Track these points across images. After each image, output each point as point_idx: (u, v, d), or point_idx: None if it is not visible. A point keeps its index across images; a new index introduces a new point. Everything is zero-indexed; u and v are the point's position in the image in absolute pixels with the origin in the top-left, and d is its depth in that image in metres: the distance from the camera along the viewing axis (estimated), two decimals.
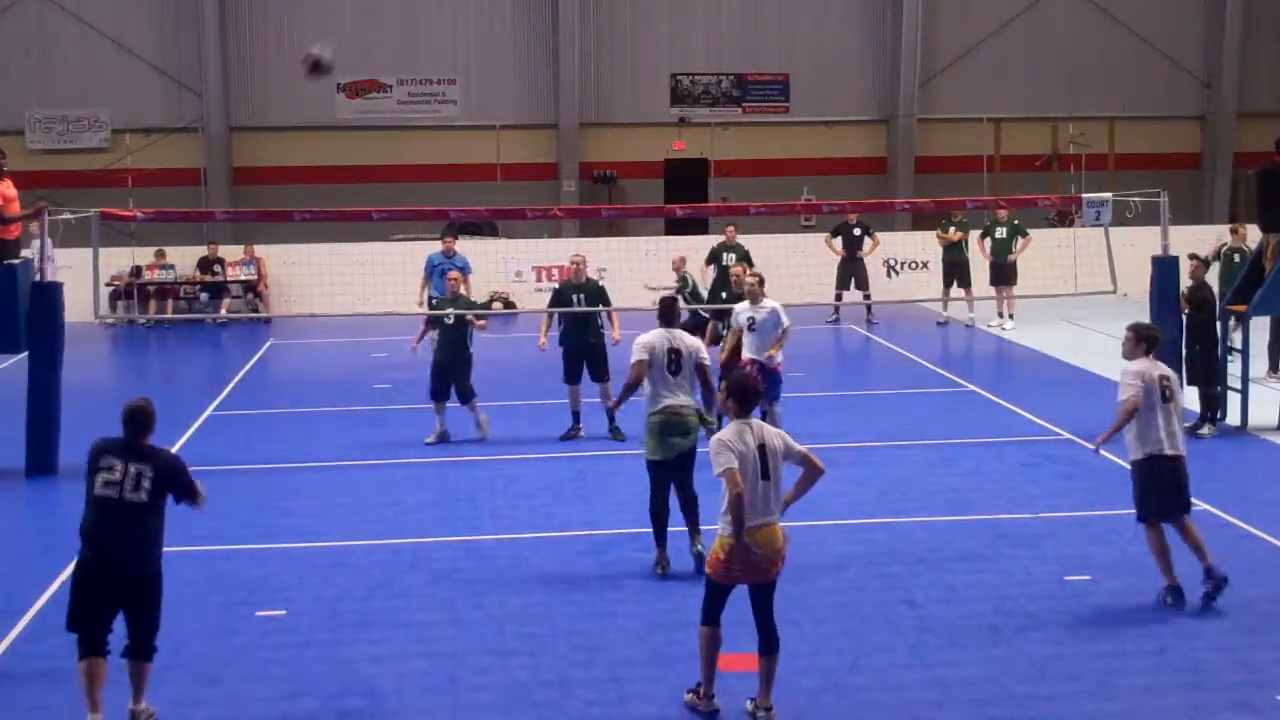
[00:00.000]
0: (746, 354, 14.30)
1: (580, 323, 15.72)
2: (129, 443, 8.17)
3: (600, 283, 16.34)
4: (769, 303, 14.39)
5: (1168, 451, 10.10)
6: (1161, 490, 10.07)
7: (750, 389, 8.44)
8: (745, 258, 21.27)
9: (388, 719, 8.34)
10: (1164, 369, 10.37)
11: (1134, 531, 11.75)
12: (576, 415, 15.58)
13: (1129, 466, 10.37)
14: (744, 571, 8.13)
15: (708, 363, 11.40)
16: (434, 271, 19.53)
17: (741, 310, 14.54)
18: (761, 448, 8.18)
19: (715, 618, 8.23)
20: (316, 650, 9.31)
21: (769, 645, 8.21)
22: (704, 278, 21.40)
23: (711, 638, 8.23)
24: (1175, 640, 9.32)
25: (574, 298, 15.78)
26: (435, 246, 20.33)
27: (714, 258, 22.55)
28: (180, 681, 8.83)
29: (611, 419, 15.27)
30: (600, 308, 15.87)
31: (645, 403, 11.05)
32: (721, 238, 23.31)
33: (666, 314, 11.56)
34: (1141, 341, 10.61)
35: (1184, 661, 8.98)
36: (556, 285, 16.08)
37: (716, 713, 8.25)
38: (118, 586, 8.02)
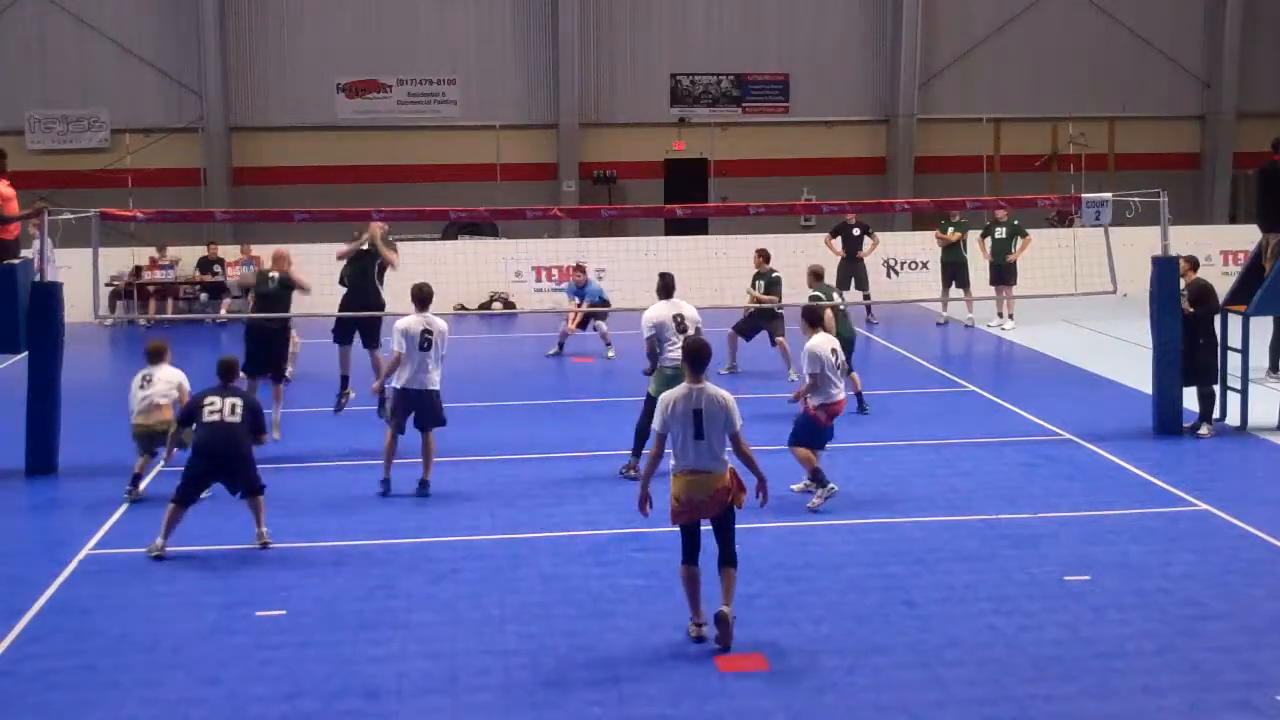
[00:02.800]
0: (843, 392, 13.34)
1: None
2: (223, 384, 11.74)
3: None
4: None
5: None
6: None
7: (701, 352, 9.44)
8: (773, 286, 20.60)
9: (388, 719, 8.34)
10: None
11: (1134, 532, 11.79)
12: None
13: None
14: (691, 510, 9.25)
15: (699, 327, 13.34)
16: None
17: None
18: (697, 412, 9.20)
19: (689, 557, 9.36)
20: (316, 650, 9.32)
21: (726, 560, 9.35)
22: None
23: (688, 574, 9.37)
24: (1175, 640, 9.32)
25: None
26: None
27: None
28: (180, 681, 8.84)
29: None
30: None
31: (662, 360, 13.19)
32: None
33: (666, 288, 13.75)
34: None
35: (1184, 661, 8.98)
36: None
37: (703, 639, 9.24)
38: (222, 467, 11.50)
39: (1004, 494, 13.04)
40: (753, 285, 19.92)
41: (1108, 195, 16.23)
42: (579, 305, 21.68)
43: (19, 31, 31.95)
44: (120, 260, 26.73)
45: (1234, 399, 15.69)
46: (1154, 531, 11.80)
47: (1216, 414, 15.58)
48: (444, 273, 23.38)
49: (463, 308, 26.76)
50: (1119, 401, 17.28)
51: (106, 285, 25.46)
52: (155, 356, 13.58)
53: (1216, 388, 15.54)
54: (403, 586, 10.58)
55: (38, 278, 14.61)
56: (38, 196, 18.63)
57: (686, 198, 31.73)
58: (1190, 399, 15.45)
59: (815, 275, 17.31)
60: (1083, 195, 16.73)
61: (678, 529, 9.42)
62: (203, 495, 11.80)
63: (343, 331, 16.31)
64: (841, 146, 34.29)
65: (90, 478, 13.99)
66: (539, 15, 33.12)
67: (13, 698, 8.66)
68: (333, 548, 11.59)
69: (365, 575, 10.85)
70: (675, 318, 13.46)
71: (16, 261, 14.46)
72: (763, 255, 19.94)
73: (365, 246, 16.29)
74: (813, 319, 13.09)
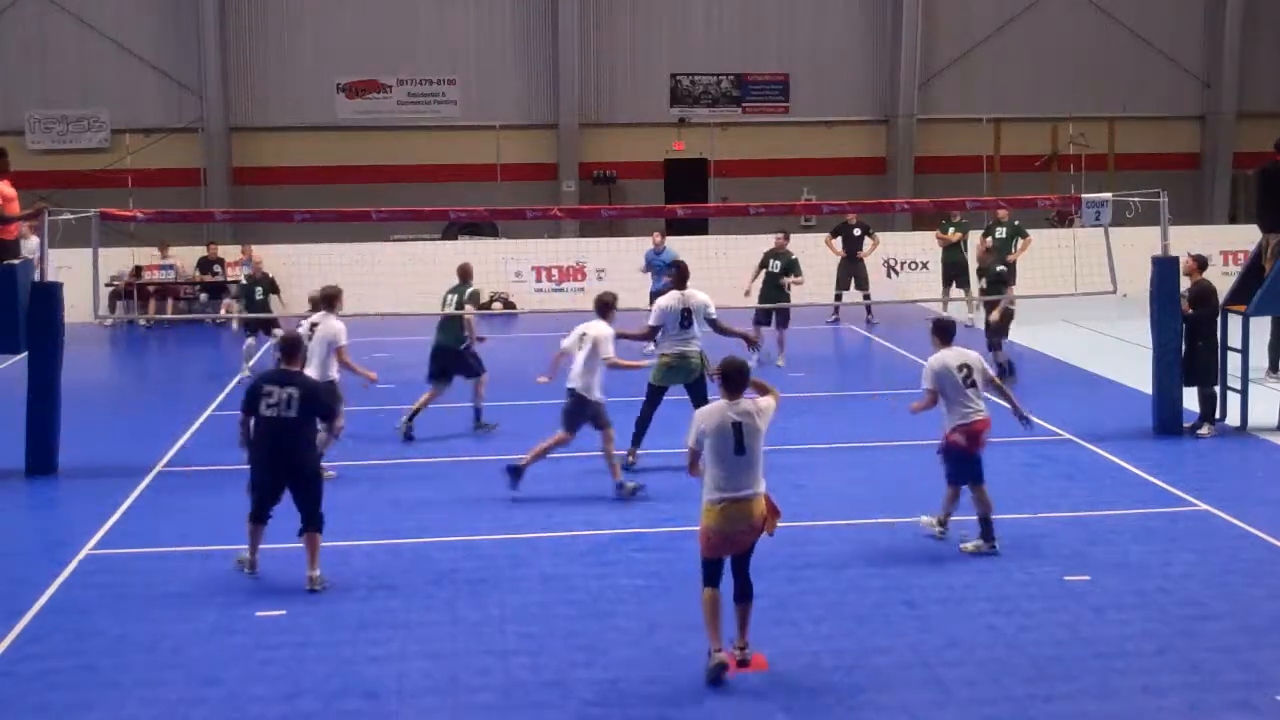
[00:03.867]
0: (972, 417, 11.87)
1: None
2: (283, 370, 10.75)
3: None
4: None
5: None
6: None
7: (736, 372, 8.97)
8: (792, 266, 21.01)
9: (388, 719, 8.34)
10: None
11: (1134, 532, 11.79)
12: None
13: None
14: (727, 545, 8.77)
15: (715, 314, 13.95)
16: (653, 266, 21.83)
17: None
18: (737, 425, 8.72)
19: (712, 581, 8.80)
20: (316, 650, 9.31)
21: (742, 594, 8.88)
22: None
23: (710, 599, 8.74)
24: (1175, 640, 9.32)
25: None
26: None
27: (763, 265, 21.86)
28: (180, 681, 8.84)
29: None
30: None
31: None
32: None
33: (681, 277, 14.24)
34: None
35: (1184, 661, 8.98)
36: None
37: (720, 666, 8.61)
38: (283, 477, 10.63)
39: (1004, 494, 13.02)
40: (766, 264, 20.33)
41: (1108, 195, 16.23)
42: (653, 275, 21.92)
43: (19, 31, 31.96)
44: (120, 260, 26.73)
45: (1234, 399, 15.69)
46: (1154, 531, 11.79)
47: (1216, 414, 15.57)
48: (444, 273, 23.42)
49: (463, 308, 26.74)
50: (1119, 401, 17.27)
51: (106, 285, 25.45)
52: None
53: (1218, 389, 15.54)
54: (403, 586, 10.58)
55: (38, 277, 14.61)
56: (38, 196, 18.63)
57: (686, 198, 31.74)
58: (1190, 399, 15.45)
59: None
60: (1083, 195, 16.74)
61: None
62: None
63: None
64: (841, 146, 34.29)
65: (90, 478, 14.00)
66: (539, 15, 33.12)
67: (13, 698, 8.65)
68: (333, 548, 11.58)
69: (365, 575, 10.84)
70: (683, 311, 13.85)
71: (17, 261, 14.46)
72: (785, 236, 20.58)
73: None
74: (942, 333, 11.69)
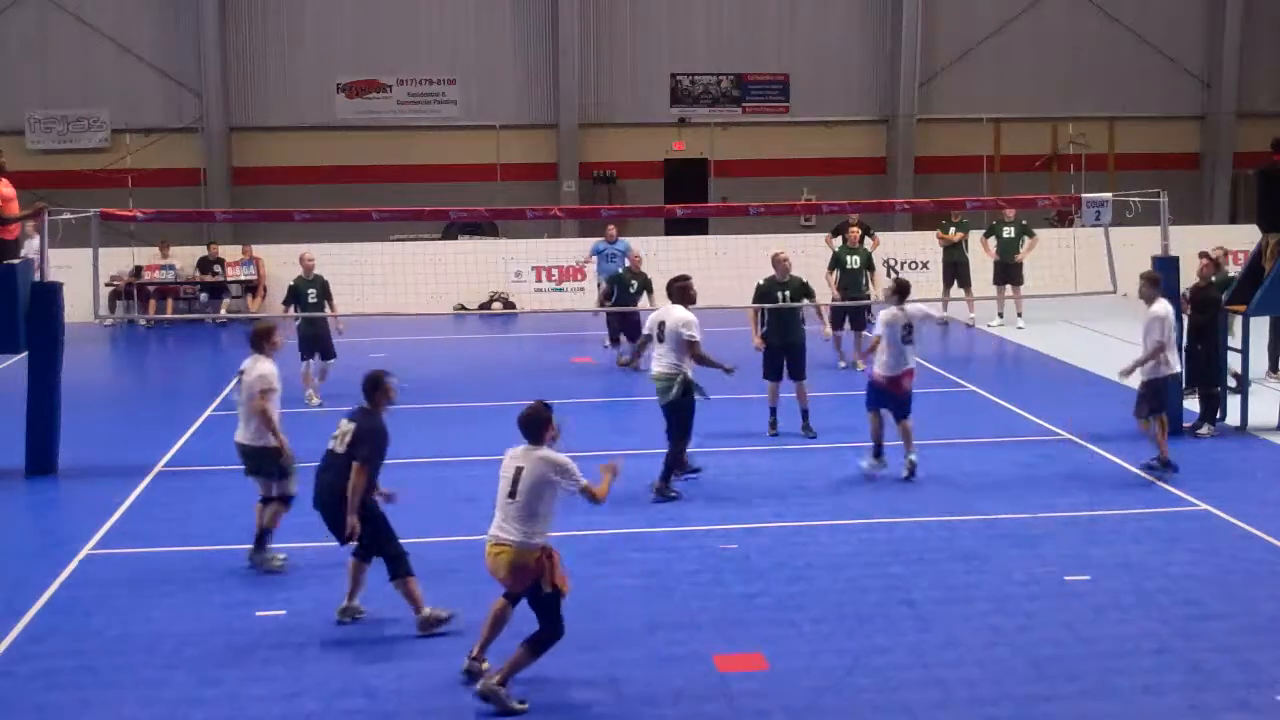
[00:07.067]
0: (908, 362, 13.87)
1: (782, 321, 15.65)
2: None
3: (804, 279, 16.23)
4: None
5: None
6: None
7: (524, 420, 8.62)
8: (869, 262, 20.93)
9: (387, 719, 8.34)
10: None
11: (1134, 532, 11.79)
12: (774, 410, 15.58)
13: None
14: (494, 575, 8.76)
15: (694, 336, 12.81)
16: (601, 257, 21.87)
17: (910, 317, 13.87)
18: (519, 469, 8.51)
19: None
20: (316, 650, 9.31)
21: (529, 639, 8.48)
22: (829, 282, 20.92)
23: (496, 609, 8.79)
24: (1175, 640, 9.32)
25: (779, 295, 15.72)
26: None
27: (837, 262, 21.61)
28: (180, 681, 8.84)
29: (804, 417, 15.47)
30: (805, 302, 15.91)
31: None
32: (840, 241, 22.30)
33: (667, 291, 13.58)
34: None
35: (1184, 661, 8.98)
36: (760, 282, 16.07)
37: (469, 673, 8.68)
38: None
39: (1004, 494, 13.04)
40: (841, 264, 20.36)
41: (1108, 195, 16.25)
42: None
43: (19, 31, 31.94)
44: (120, 260, 26.73)
45: (1234, 399, 15.69)
46: (1154, 531, 11.80)
47: (1217, 414, 15.58)
48: (444, 273, 23.46)
49: (463, 308, 26.79)
50: (1119, 401, 17.25)
51: (106, 285, 25.45)
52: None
53: (1220, 389, 15.55)
54: None
55: (38, 277, 14.61)
56: (38, 197, 18.64)
57: (686, 198, 31.71)
58: (1190, 399, 15.46)
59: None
60: (1083, 195, 16.74)
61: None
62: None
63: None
64: (841, 146, 34.27)
65: (90, 478, 14.00)
66: (539, 15, 33.11)
67: (13, 698, 8.66)
68: (333, 548, 11.56)
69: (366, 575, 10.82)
70: (659, 325, 13.16)
71: (17, 261, 14.46)
72: (863, 229, 20.82)
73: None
74: (901, 292, 13.75)
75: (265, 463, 11.01)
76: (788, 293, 15.65)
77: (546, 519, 8.53)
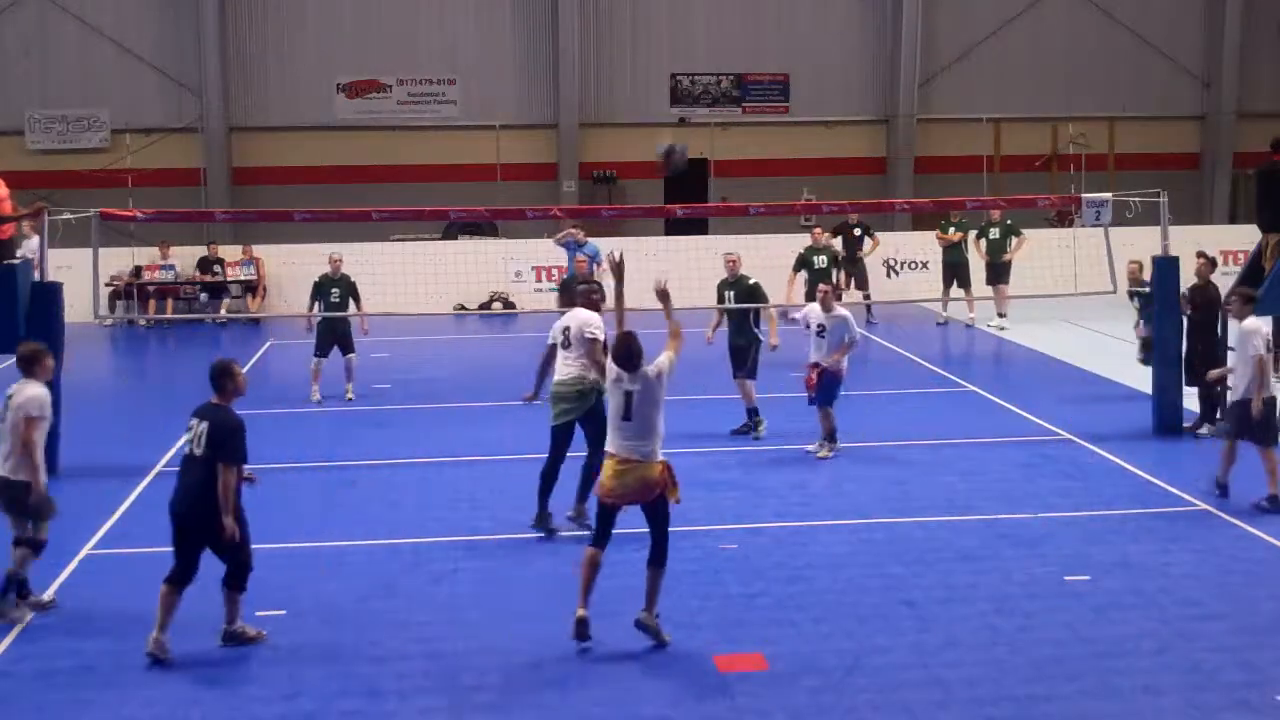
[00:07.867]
0: (812, 357, 14.68)
1: (730, 322, 15.82)
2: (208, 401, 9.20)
3: (752, 281, 15.93)
4: (841, 311, 14.71)
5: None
6: None
7: (624, 351, 9.35)
8: (836, 261, 21.11)
9: (387, 719, 8.34)
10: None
11: (1134, 532, 11.79)
12: (750, 411, 15.58)
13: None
14: (620, 495, 9.38)
15: (595, 335, 11.78)
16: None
17: (814, 317, 14.80)
18: (629, 393, 9.31)
19: (599, 541, 9.46)
20: (316, 650, 9.31)
21: (655, 558, 9.40)
22: (791, 286, 20.97)
23: (590, 559, 9.39)
24: (1175, 640, 9.32)
25: (725, 295, 15.88)
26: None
27: (804, 263, 22.02)
28: (180, 681, 8.83)
29: (748, 415, 15.47)
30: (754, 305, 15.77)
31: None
32: (808, 241, 22.85)
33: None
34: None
35: (1184, 661, 8.98)
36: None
37: (581, 621, 9.22)
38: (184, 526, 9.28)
39: (1004, 494, 13.03)
40: (809, 265, 20.41)
41: (1108, 195, 16.24)
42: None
43: (19, 31, 31.95)
44: (120, 260, 26.73)
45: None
46: (1154, 531, 11.79)
47: (1216, 414, 15.56)
48: (444, 273, 23.47)
49: (463, 308, 26.80)
50: (1119, 401, 17.28)
51: (106, 285, 25.45)
52: None
53: (1220, 389, 15.52)
54: (403, 586, 10.58)
55: (38, 277, 14.61)
56: (38, 197, 18.64)
57: (686, 198, 31.68)
58: (1190, 399, 15.45)
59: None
60: (1083, 195, 16.74)
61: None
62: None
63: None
64: (841, 146, 34.28)
65: (90, 478, 13.98)
66: (539, 15, 33.12)
67: (13, 698, 8.65)
68: (333, 548, 11.59)
69: (365, 575, 10.84)
70: (563, 330, 12.05)
71: (17, 261, 14.45)
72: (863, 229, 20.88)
73: None
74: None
75: (18, 499, 9.79)
76: (732, 294, 15.78)
77: (660, 435, 9.49)
